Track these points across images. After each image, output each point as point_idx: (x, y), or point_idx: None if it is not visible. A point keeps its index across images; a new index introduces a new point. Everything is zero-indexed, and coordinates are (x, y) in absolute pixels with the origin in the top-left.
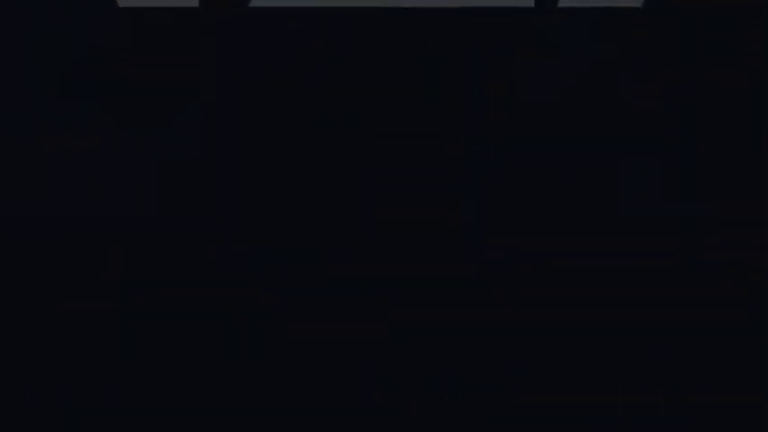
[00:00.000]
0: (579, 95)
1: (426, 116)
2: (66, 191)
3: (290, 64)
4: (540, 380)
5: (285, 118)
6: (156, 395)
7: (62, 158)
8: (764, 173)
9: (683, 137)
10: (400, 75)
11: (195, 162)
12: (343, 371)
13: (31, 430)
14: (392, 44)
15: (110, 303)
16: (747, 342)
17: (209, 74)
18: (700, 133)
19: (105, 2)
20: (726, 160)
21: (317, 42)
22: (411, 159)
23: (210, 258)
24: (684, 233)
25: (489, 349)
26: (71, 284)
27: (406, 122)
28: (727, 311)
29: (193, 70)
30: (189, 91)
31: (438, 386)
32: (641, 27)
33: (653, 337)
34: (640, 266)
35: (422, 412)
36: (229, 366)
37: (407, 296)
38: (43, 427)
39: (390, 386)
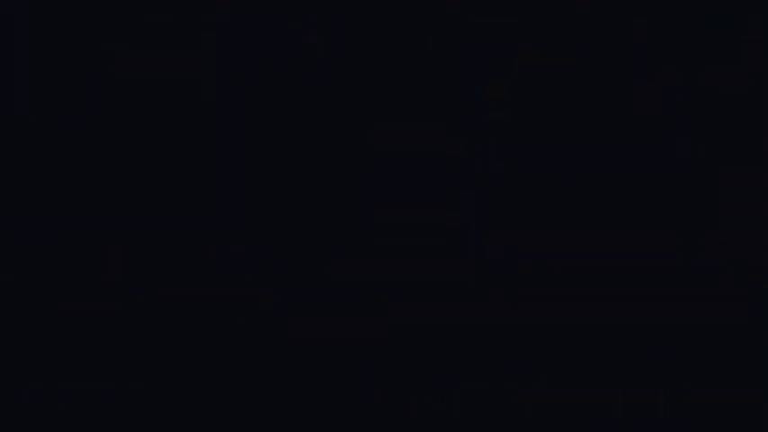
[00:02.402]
0: (579, 95)
1: (426, 116)
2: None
3: (290, 64)
4: (540, 380)
5: (285, 118)
6: (156, 395)
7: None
8: (764, 173)
9: (683, 137)
10: (400, 75)
11: (194, 161)
12: (343, 371)
13: (31, 430)
14: (392, 44)
15: (110, 303)
16: (747, 342)
17: (209, 74)
18: (700, 133)
19: None
20: (726, 160)
21: (317, 42)
22: (411, 159)
23: (210, 258)
24: (684, 233)
25: (489, 349)
26: (71, 284)
27: (406, 122)
28: (727, 311)
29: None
30: (188, 89)
31: (438, 386)
32: (641, 27)
33: (653, 338)
34: (640, 266)
35: (422, 412)
36: (229, 366)
37: (407, 296)
38: (43, 427)
39: (390, 386)
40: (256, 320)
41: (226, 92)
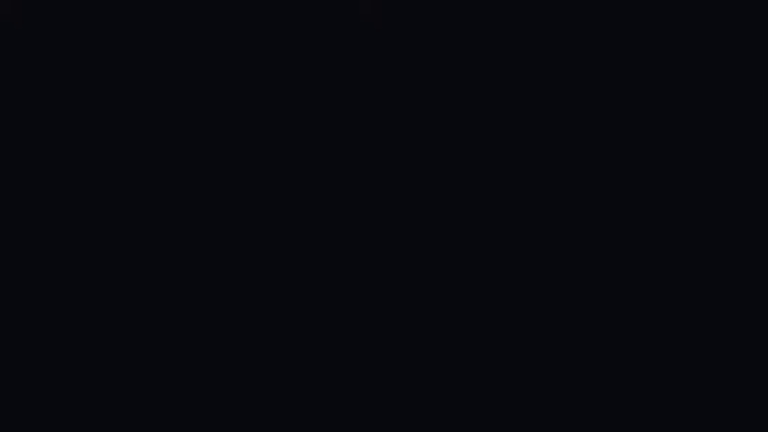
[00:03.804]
0: (579, 95)
1: (427, 116)
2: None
3: (287, 62)
4: (540, 380)
5: (285, 118)
6: (156, 395)
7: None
8: (765, 173)
9: (683, 136)
10: (401, 74)
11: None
12: (343, 371)
13: (31, 430)
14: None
15: (109, 303)
16: (752, 342)
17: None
18: (699, 133)
19: None
20: (726, 160)
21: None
22: (411, 159)
23: (210, 257)
24: (684, 232)
25: (489, 349)
26: (71, 284)
27: (406, 122)
28: (728, 311)
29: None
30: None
31: (438, 385)
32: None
33: (653, 337)
34: (640, 266)
35: (421, 412)
36: (229, 366)
37: (407, 295)
38: (43, 427)
39: (390, 386)
40: (256, 320)
41: (225, 91)
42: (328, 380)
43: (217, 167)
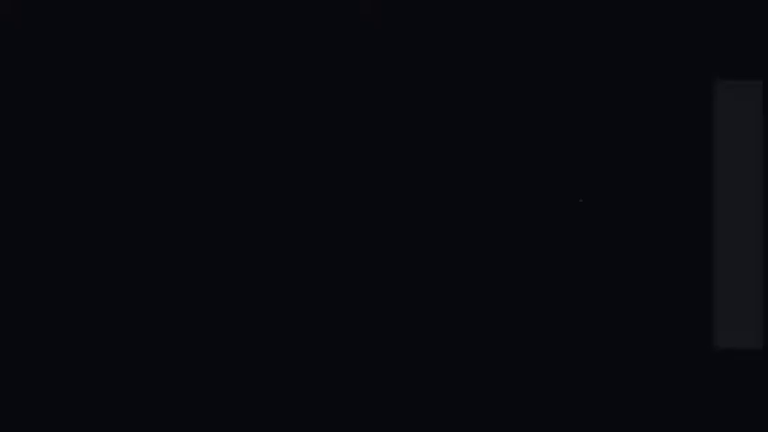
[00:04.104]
0: (578, 95)
1: (427, 116)
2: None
3: (287, 62)
4: (540, 380)
5: (285, 117)
6: (156, 395)
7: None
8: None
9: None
10: (403, 74)
11: (195, 161)
12: (342, 371)
13: (31, 430)
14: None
15: (109, 303)
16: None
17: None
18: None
19: None
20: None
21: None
22: (410, 159)
23: (210, 258)
24: (685, 232)
25: (489, 349)
26: (71, 284)
27: (406, 122)
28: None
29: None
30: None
31: (438, 384)
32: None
33: (652, 336)
34: (639, 264)
35: (421, 412)
36: (229, 366)
37: (407, 294)
38: (43, 427)
39: (390, 386)
40: (256, 320)
41: (226, 91)
42: (328, 380)
43: (216, 167)
